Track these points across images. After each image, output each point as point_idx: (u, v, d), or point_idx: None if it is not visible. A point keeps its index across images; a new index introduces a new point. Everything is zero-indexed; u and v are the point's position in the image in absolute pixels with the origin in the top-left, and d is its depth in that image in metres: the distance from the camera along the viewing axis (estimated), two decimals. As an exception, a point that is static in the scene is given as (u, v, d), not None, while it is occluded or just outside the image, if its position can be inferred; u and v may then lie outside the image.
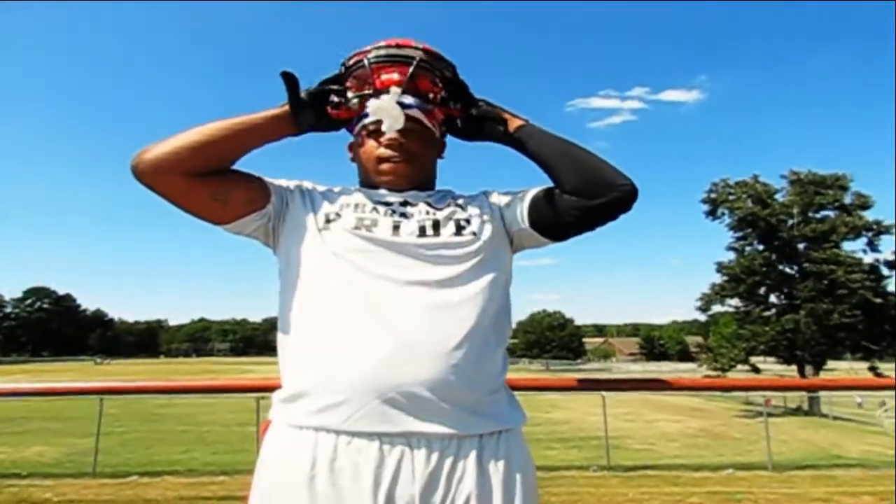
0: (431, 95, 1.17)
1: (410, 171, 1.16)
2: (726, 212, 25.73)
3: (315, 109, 1.15)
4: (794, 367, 25.32)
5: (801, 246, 24.59)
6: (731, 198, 25.49)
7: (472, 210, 1.19)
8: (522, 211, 1.18)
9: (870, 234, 23.57)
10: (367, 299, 1.01)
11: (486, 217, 1.18)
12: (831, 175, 24.41)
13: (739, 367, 25.51)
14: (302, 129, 1.16)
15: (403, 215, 1.12)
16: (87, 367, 48.51)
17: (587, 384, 2.02)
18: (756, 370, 25.92)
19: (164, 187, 1.07)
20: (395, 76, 1.13)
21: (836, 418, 19.89)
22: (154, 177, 1.05)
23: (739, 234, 25.95)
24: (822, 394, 20.14)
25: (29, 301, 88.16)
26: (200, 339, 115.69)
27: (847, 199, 24.00)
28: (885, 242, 23.96)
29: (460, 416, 0.98)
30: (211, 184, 1.08)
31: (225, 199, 1.10)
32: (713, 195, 26.00)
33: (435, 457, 0.95)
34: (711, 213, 26.31)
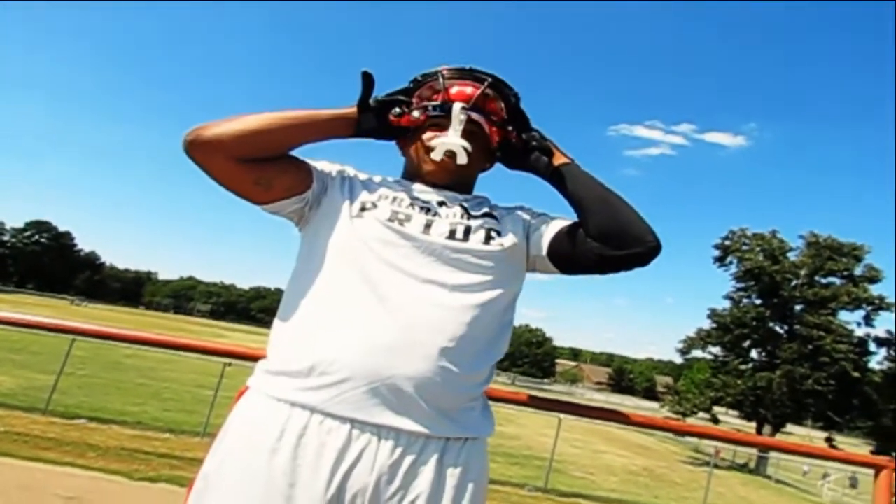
0: (494, 117, 1.22)
1: (457, 168, 1.16)
2: (735, 261, 25.62)
3: (378, 116, 1.18)
4: (753, 424, 25.30)
5: (797, 307, 24.47)
6: (744, 248, 25.50)
7: (505, 223, 1.20)
8: (545, 239, 1.19)
9: (869, 308, 23.45)
10: (382, 289, 1.02)
11: (515, 233, 1.19)
12: (849, 244, 24.25)
13: (701, 414, 25.56)
14: (360, 133, 1.18)
15: (437, 215, 1.14)
16: (63, 306, 48.08)
17: (539, 402, 2.10)
18: (715, 420, 25.97)
19: (213, 167, 1.07)
20: (468, 90, 1.17)
21: (778, 481, 20.03)
22: (207, 157, 1.06)
23: (741, 284, 25.91)
24: (772, 455, 20.27)
25: (28, 233, 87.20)
26: (184, 297, 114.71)
27: (858, 270, 23.80)
28: (882, 319, 23.85)
29: (434, 417, 0.99)
30: (258, 169, 1.09)
31: (268, 184, 1.11)
32: (727, 242, 25.98)
33: (399, 451, 0.96)
34: (720, 260, 26.28)
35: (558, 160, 1.21)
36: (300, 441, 0.94)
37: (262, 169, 1.09)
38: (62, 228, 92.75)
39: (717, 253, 26.38)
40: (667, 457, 19.02)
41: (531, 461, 11.31)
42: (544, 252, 1.19)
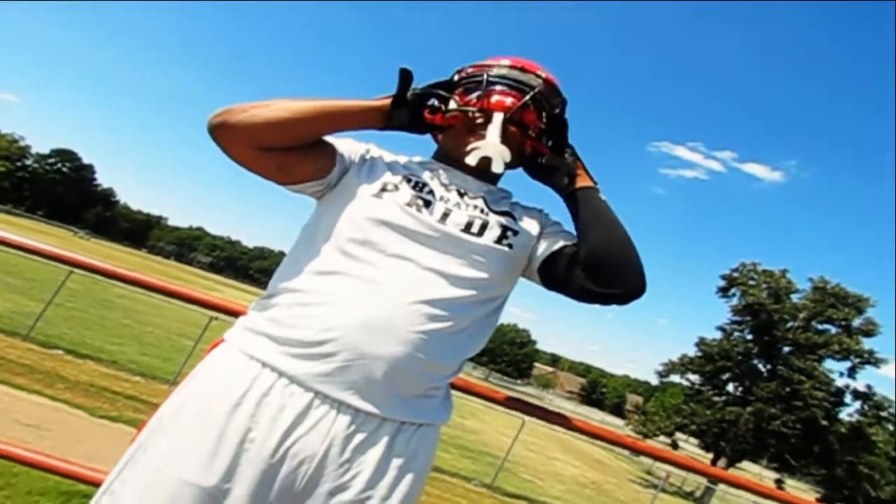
0: (531, 130, 1.17)
1: (489, 169, 1.12)
2: (738, 294, 25.31)
3: (412, 110, 1.14)
4: (710, 455, 25.25)
5: (786, 349, 24.24)
6: (750, 283, 25.13)
7: (523, 224, 1.19)
8: (546, 252, 1.18)
9: (857, 360, 23.23)
10: (379, 271, 1.01)
11: (527, 238, 1.18)
12: (855, 294, 23.91)
13: (662, 437, 25.62)
14: (392, 126, 1.15)
15: (458, 205, 1.12)
16: (66, 237, 48.11)
17: (497, 400, 2.20)
18: (675, 446, 25.98)
19: (237, 154, 1.06)
20: (508, 101, 1.12)
21: (719, 516, 20.14)
22: (232, 144, 1.05)
23: (738, 318, 25.59)
24: (719, 487, 20.34)
25: (52, 160, 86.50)
26: (188, 246, 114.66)
27: (856, 322, 23.48)
28: (866, 374, 23.73)
29: (395, 401, 1.00)
30: (282, 156, 1.08)
31: (291, 171, 1.10)
32: (735, 274, 25.61)
33: (353, 427, 0.97)
34: (724, 291, 25.91)
35: (581, 182, 1.17)
36: (262, 399, 0.95)
37: (287, 156, 1.08)
38: (86, 161, 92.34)
39: (722, 283, 26.04)
40: (618, 474, 19.16)
41: (484, 457, 11.44)
42: (538, 265, 1.18)
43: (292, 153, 1.08)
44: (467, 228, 1.09)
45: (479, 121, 1.13)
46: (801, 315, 24.05)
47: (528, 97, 1.12)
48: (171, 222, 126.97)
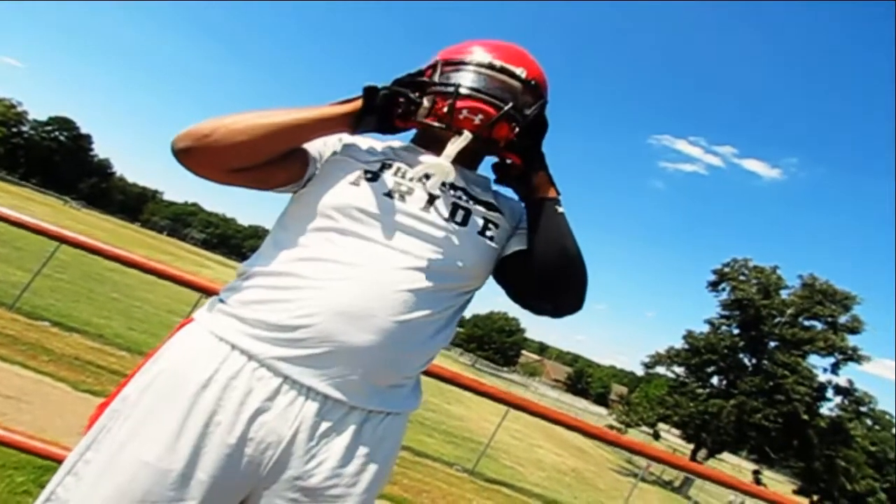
0: (501, 142, 1.10)
1: (467, 148, 1.06)
2: (728, 288, 25.75)
3: (381, 115, 1.07)
4: (691, 446, 25.70)
5: (772, 344, 24.73)
6: (740, 278, 25.56)
7: (504, 216, 1.17)
8: (506, 252, 1.15)
9: (840, 356, 23.68)
10: (357, 258, 0.99)
11: (506, 231, 1.16)
12: (843, 292, 24.32)
13: (644, 428, 25.89)
14: (361, 132, 1.11)
15: (441, 191, 1.09)
16: (57, 206, 47.68)
17: (490, 394, 2.20)
18: (656, 436, 26.34)
19: (207, 176, 1.04)
20: (477, 119, 1.04)
21: (696, 503, 20.41)
22: (200, 169, 1.03)
23: (726, 313, 26.03)
24: (699, 479, 20.47)
25: (49, 128, 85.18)
26: (182, 222, 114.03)
27: (842, 319, 23.92)
28: (848, 370, 24.07)
29: (365, 390, 0.98)
30: (253, 172, 1.05)
31: (265, 181, 1.08)
32: (726, 269, 26.01)
33: (321, 414, 0.95)
34: (714, 285, 26.32)
35: (543, 192, 1.12)
36: (230, 382, 0.93)
37: (258, 171, 1.05)
38: (84, 131, 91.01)
39: (713, 278, 26.45)
40: (599, 462, 19.35)
41: (467, 443, 11.46)
42: (500, 258, 1.16)
43: (263, 167, 1.05)
44: (451, 217, 1.07)
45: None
46: (789, 311, 24.51)
47: (499, 115, 1.05)
48: (167, 197, 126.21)
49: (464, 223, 1.08)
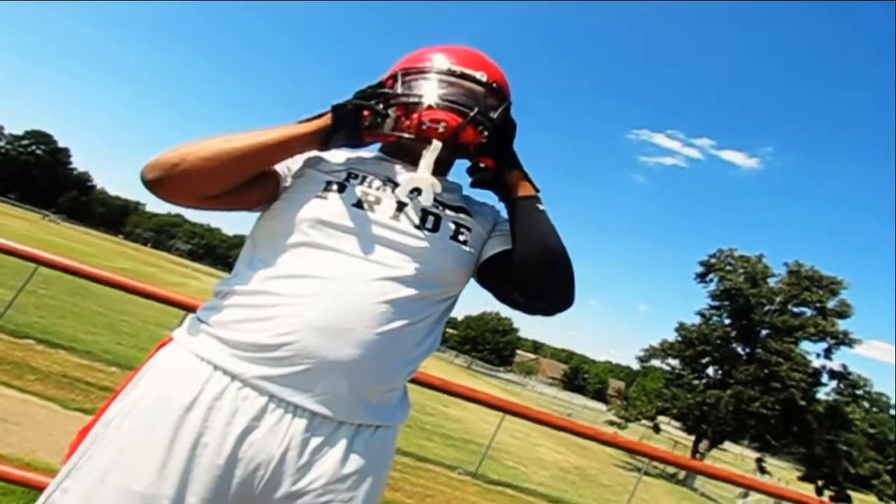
0: (470, 147, 1.11)
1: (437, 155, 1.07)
2: (716, 279, 25.94)
3: (349, 130, 1.07)
4: (692, 437, 25.86)
5: (764, 332, 24.91)
6: (727, 268, 25.76)
7: (476, 221, 1.17)
8: (485, 256, 1.15)
9: (832, 341, 23.90)
10: (332, 271, 0.98)
11: (480, 236, 1.16)
12: (829, 277, 24.57)
13: (644, 421, 26.00)
14: (330, 148, 1.11)
15: (410, 199, 1.09)
16: (36, 220, 47.13)
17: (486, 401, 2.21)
18: (657, 429, 26.47)
19: (180, 204, 1.05)
20: (441, 127, 1.03)
21: (703, 495, 20.51)
22: (172, 198, 1.03)
23: (716, 303, 26.20)
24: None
25: (26, 142, 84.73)
26: (167, 233, 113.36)
27: (831, 304, 24.19)
28: (842, 353, 24.21)
29: (352, 404, 0.98)
30: (226, 196, 1.05)
31: (241, 204, 1.10)
32: (713, 260, 26.22)
33: (310, 430, 0.95)
34: (702, 276, 26.52)
35: (521, 191, 1.12)
36: (215, 403, 0.92)
37: (230, 196, 1.06)
38: (62, 144, 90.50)
39: (700, 269, 26.66)
40: (601, 458, 19.35)
41: (468, 445, 11.40)
42: (480, 263, 1.16)
43: (237, 190, 1.05)
44: (421, 224, 1.07)
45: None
46: (778, 299, 24.70)
47: (464, 122, 1.03)
48: (150, 209, 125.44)
49: (435, 229, 1.08)
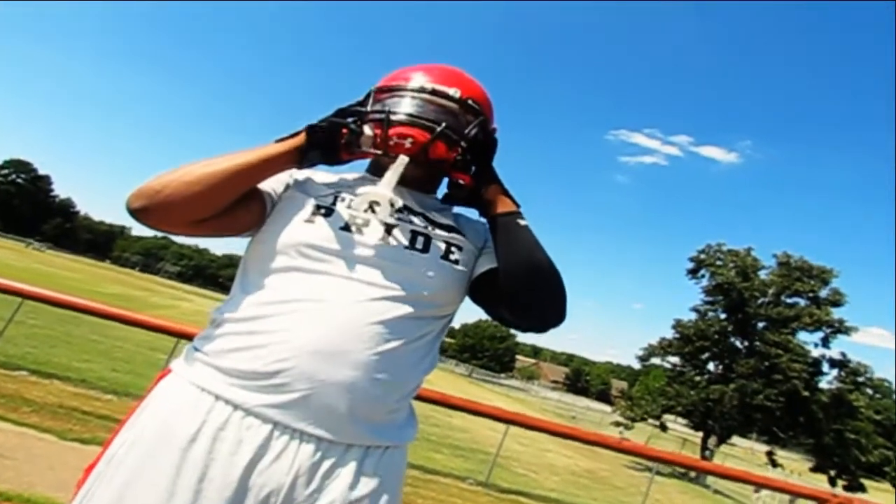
0: (443, 163, 1.12)
1: (417, 172, 1.10)
2: (707, 274, 26.13)
3: (324, 148, 1.09)
4: (700, 434, 25.86)
5: (760, 325, 25.05)
6: (717, 263, 25.94)
7: (467, 238, 1.17)
8: (477, 273, 1.15)
9: (829, 330, 24.08)
10: (324, 295, 0.99)
11: (471, 252, 1.16)
12: (819, 266, 24.83)
13: (650, 421, 25.98)
14: (307, 166, 1.13)
15: (398, 219, 1.09)
16: (19, 249, 46.73)
17: (489, 413, 2.20)
18: (664, 428, 26.45)
19: (169, 231, 1.06)
20: (407, 143, 1.05)
21: (716, 491, 20.47)
22: (160, 226, 1.03)
23: (710, 298, 26.37)
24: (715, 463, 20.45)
25: (6, 171, 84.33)
26: (154, 256, 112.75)
27: (823, 293, 24.43)
28: (840, 342, 24.34)
29: (357, 427, 0.97)
30: (214, 221, 1.05)
31: (230, 228, 1.09)
32: (702, 256, 26.44)
33: (318, 455, 0.94)
34: (693, 272, 26.73)
35: (501, 208, 1.11)
36: (218, 434, 0.91)
37: (218, 220, 1.05)
38: (42, 171, 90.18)
39: (690, 265, 26.84)
40: (611, 460, 19.24)
41: (476, 455, 11.32)
42: (472, 279, 1.15)
43: (223, 214, 1.05)
44: (411, 245, 1.07)
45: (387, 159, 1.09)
46: (771, 290, 24.96)
47: (432, 138, 1.05)
48: (136, 232, 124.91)
49: (425, 249, 1.08)
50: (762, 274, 25.77)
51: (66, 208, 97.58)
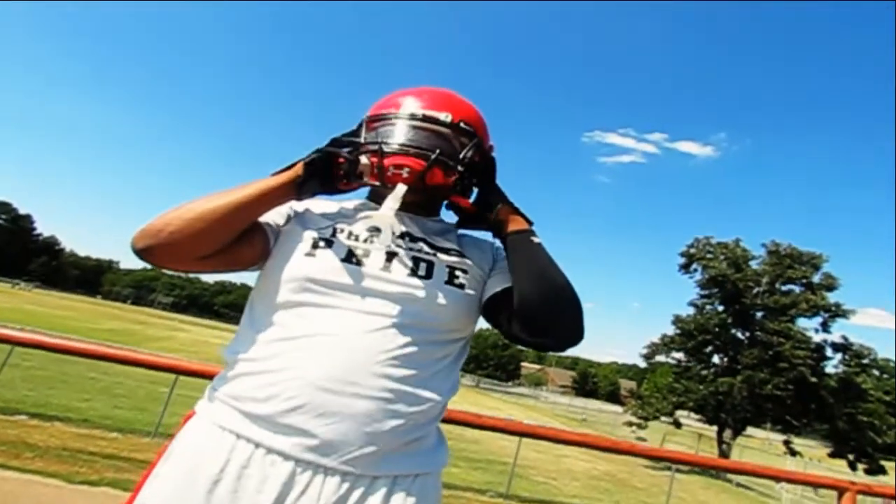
0: (443, 188, 1.11)
1: (416, 198, 1.11)
2: (700, 268, 26.31)
3: (321, 178, 1.12)
4: (714, 428, 25.88)
5: (758, 314, 25.19)
6: (708, 256, 26.16)
7: (472, 260, 1.16)
8: (488, 293, 1.14)
9: (827, 315, 24.20)
10: (333, 329, 0.99)
11: (478, 273, 1.15)
12: (808, 252, 25.06)
13: (663, 418, 25.92)
14: (305, 197, 1.14)
15: (399, 247, 1.09)
16: (7, 290, 46.39)
17: (515, 429, 2.31)
18: (678, 425, 26.41)
19: (175, 269, 1.07)
20: (405, 172, 1.06)
21: (738, 485, 20.37)
22: (166, 264, 1.04)
23: (705, 292, 26.57)
24: (733, 458, 20.48)
25: None
26: (146, 288, 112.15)
27: (816, 278, 24.60)
28: (839, 325, 24.48)
29: (382, 457, 0.96)
30: (220, 256, 1.06)
31: (236, 263, 1.10)
32: (692, 250, 26.66)
33: (345, 487, 0.93)
34: (685, 267, 26.93)
35: (512, 226, 1.11)
36: (243, 472, 0.92)
37: (224, 254, 1.06)
38: (23, 211, 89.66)
39: (682, 260, 27.02)
40: (628, 461, 19.09)
41: (493, 466, 11.23)
42: (484, 301, 1.14)
43: (229, 248, 1.06)
44: (413, 272, 1.07)
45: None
46: (764, 280, 25.11)
47: (428, 166, 1.06)
48: (124, 265, 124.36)
49: (428, 275, 1.08)
50: (753, 264, 26.00)
51: (51, 246, 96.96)
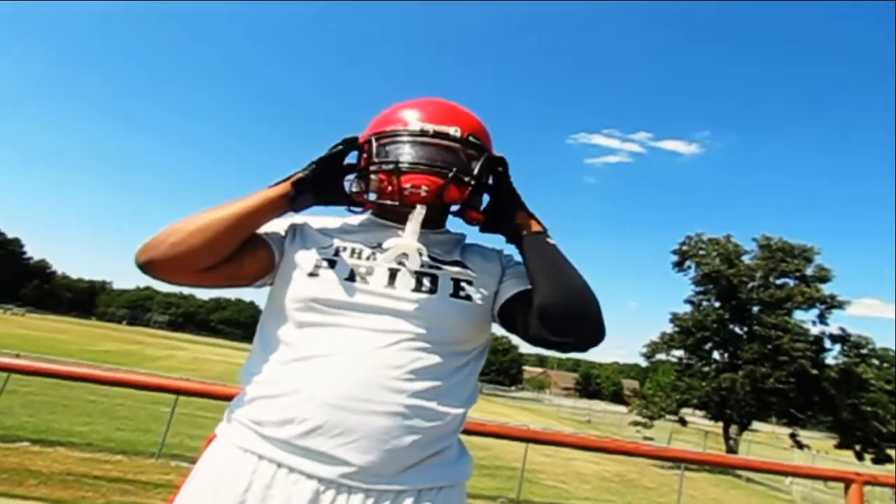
0: (458, 202, 1.13)
1: (427, 214, 1.10)
2: (693, 265, 26.40)
3: (315, 191, 1.12)
4: (720, 424, 25.89)
5: (755, 309, 25.27)
6: (700, 253, 26.25)
7: (479, 270, 1.16)
8: (501, 300, 1.14)
9: (823, 306, 24.32)
10: (343, 347, 0.99)
11: (487, 285, 1.15)
12: (800, 245, 25.23)
13: (668, 416, 25.90)
14: (299, 209, 1.15)
15: (402, 263, 1.09)
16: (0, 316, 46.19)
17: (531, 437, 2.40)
18: (683, 422, 26.40)
19: (178, 282, 1.07)
20: (423, 191, 1.07)
21: (749, 480, 20.31)
22: (168, 276, 1.06)
23: (700, 289, 26.64)
24: (741, 453, 20.40)
25: None
26: (141, 307, 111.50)
27: (809, 271, 24.74)
28: (835, 317, 24.53)
29: (404, 473, 0.97)
30: (223, 269, 1.08)
31: (239, 277, 1.11)
32: (685, 248, 26.75)
33: (370, 502, 0.94)
34: (679, 265, 27.01)
35: (528, 230, 1.13)
36: (266, 493, 0.93)
37: (227, 266, 1.08)
38: (11, 235, 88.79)
39: (675, 258, 27.13)
40: (637, 461, 19.06)
41: (502, 472, 11.15)
42: (497, 309, 1.15)
43: (231, 261, 1.08)
44: (418, 287, 1.07)
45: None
46: (758, 274, 25.24)
47: (445, 183, 1.07)
48: (117, 286, 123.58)
49: (433, 290, 1.08)
50: (746, 259, 26.13)
51: (42, 269, 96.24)
